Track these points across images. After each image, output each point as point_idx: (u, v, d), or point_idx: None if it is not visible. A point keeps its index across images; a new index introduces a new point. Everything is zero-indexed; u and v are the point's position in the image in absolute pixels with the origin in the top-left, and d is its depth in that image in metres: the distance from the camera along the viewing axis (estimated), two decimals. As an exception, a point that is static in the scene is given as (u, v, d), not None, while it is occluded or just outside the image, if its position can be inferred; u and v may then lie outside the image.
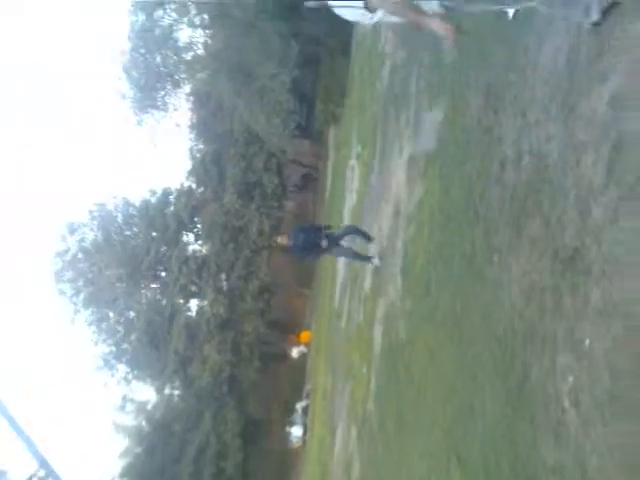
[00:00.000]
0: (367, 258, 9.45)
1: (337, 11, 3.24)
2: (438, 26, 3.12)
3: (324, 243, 9.08)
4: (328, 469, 11.51)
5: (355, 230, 10.26)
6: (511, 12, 4.60)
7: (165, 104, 27.90)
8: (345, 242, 9.90)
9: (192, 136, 28.77)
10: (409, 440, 6.26)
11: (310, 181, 26.96)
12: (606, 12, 3.13)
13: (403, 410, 6.61)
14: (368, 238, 9.50)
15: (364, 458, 8.33)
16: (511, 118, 4.44)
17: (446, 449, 5.06)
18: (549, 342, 3.41)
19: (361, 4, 3.14)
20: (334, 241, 9.32)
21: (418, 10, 3.18)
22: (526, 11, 4.34)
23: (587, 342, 3.07)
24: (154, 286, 27.56)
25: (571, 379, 3.17)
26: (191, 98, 28.08)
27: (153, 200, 27.48)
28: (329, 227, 10.59)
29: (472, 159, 5.22)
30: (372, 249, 9.42)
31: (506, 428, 3.88)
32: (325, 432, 13.13)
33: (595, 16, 3.15)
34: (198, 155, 27.58)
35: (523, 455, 3.61)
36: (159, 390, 28.08)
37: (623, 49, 3.07)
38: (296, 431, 20.40)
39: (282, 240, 9.59)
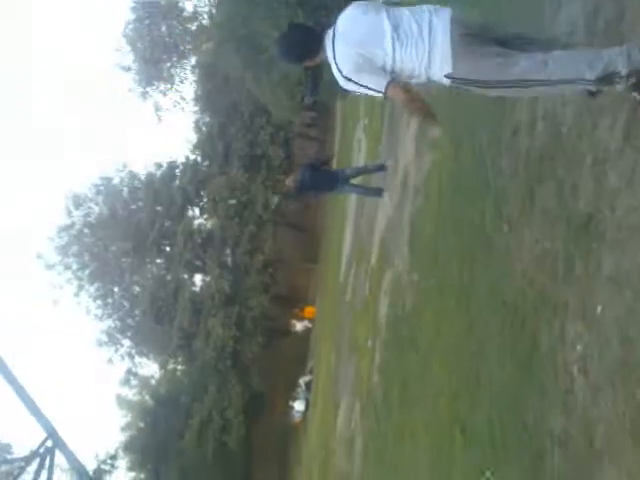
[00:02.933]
0: (379, 191, 9.39)
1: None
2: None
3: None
4: (330, 443, 11.58)
5: (367, 170, 10.28)
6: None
7: (171, 76, 27.74)
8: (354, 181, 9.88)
9: (197, 109, 28.58)
10: (413, 412, 6.27)
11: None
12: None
13: (408, 382, 6.61)
14: (382, 168, 9.45)
15: (367, 432, 8.35)
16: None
17: (450, 420, 5.06)
18: (560, 309, 3.37)
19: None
20: (344, 179, 9.24)
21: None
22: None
23: (599, 309, 3.03)
24: (159, 261, 27.58)
25: (580, 347, 3.14)
26: (197, 70, 27.85)
27: (159, 174, 27.34)
28: (331, 158, 10.46)
29: (483, 127, 5.14)
30: (383, 182, 9.36)
31: (513, 397, 3.86)
32: (328, 406, 13.19)
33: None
34: (204, 128, 27.39)
35: (530, 425, 3.59)
36: (163, 365, 28.23)
37: None
38: (299, 406, 20.51)
39: (290, 182, 9.42)
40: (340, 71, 3.15)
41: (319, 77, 18.67)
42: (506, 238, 4.26)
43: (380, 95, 3.13)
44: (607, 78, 2.79)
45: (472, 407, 4.61)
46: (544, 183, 3.78)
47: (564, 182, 3.52)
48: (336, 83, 3.33)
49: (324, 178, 9.06)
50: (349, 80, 3.13)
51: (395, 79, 3.10)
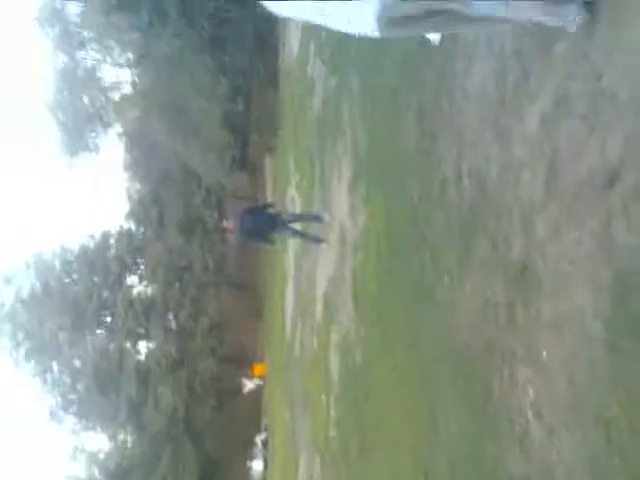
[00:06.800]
0: (317, 240, 9.57)
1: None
2: None
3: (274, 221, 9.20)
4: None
5: (305, 217, 10.53)
6: (436, 39, 4.77)
7: (96, 146, 27.43)
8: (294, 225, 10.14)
9: (127, 176, 28.31)
10: (374, 463, 6.23)
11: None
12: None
13: (366, 434, 6.58)
14: (318, 219, 9.65)
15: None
16: (447, 141, 4.56)
17: (413, 469, 5.06)
18: (508, 357, 3.47)
19: None
20: (283, 222, 9.43)
21: None
22: (450, 37, 4.51)
23: (544, 354, 3.16)
24: (100, 332, 26.80)
25: (532, 391, 3.24)
26: (123, 138, 27.68)
27: (92, 245, 26.86)
28: (273, 205, 10.79)
29: (413, 183, 5.32)
30: (322, 231, 9.56)
31: (472, 444, 3.92)
32: (287, 463, 12.91)
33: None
34: (135, 196, 27.15)
35: (490, 470, 3.65)
36: (112, 438, 27.14)
37: (549, 67, 3.22)
38: (257, 465, 20.00)
39: (228, 224, 9.49)
40: None
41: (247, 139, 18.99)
42: (448, 290, 4.38)
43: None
44: None
45: (433, 455, 4.63)
46: (477, 235, 3.94)
47: (496, 234, 3.69)
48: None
49: (263, 221, 9.14)
50: None
51: None
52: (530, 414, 3.24)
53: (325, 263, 9.31)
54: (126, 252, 25.51)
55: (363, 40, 6.66)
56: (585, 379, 2.80)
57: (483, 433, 3.75)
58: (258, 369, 22.21)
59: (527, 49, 3.41)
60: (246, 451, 21.31)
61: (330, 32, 6.44)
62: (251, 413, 22.50)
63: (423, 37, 4.82)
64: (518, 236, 3.45)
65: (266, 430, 19.94)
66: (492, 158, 3.80)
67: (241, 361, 24.57)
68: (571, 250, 2.95)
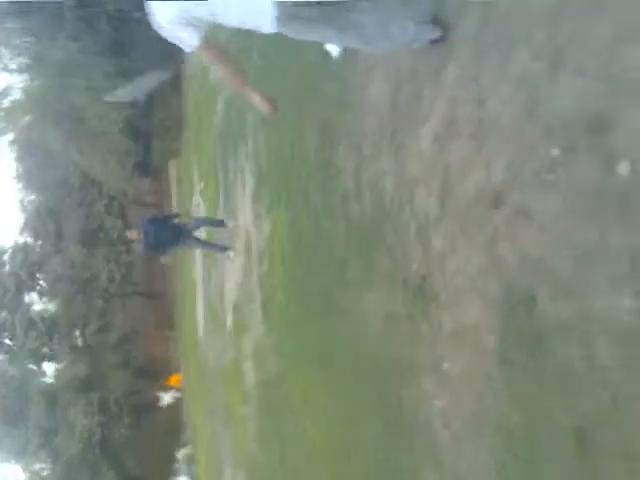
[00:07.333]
0: (224, 248, 9.52)
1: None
2: (257, 100, 3.14)
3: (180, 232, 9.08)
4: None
5: (208, 222, 10.46)
6: (336, 52, 4.75)
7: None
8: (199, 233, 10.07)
9: (20, 187, 26.90)
10: (297, 476, 6.20)
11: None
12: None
13: (286, 445, 6.53)
14: (222, 224, 9.61)
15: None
16: (347, 153, 4.55)
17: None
18: (413, 368, 3.51)
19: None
20: (188, 233, 9.30)
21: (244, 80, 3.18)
22: (351, 51, 4.49)
23: (445, 366, 3.21)
24: (-1, 356, 25.31)
25: (438, 402, 3.29)
26: (15, 147, 26.30)
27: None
28: (178, 215, 10.68)
29: (316, 193, 5.29)
30: (227, 239, 9.52)
31: (386, 454, 3.94)
32: (212, 479, 12.69)
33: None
34: (30, 207, 25.86)
35: None
36: (26, 469, 25.79)
37: (439, 90, 3.26)
38: (181, 482, 19.61)
39: (132, 235, 9.43)
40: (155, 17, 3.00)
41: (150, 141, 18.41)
42: (354, 301, 4.39)
43: (190, 49, 3.02)
44: None
45: (349, 465, 4.64)
46: (378, 248, 3.95)
47: (395, 247, 3.72)
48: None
49: (168, 232, 9.00)
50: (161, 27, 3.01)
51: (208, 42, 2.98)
52: (439, 425, 3.28)
53: (233, 272, 9.17)
54: (22, 268, 24.29)
55: (265, 44, 6.53)
56: (484, 390, 2.86)
57: (397, 445, 3.78)
58: (174, 379, 21.70)
59: (420, 69, 3.44)
60: (168, 467, 20.79)
61: (233, 35, 6.34)
62: (171, 427, 21.94)
63: (324, 48, 4.80)
64: (416, 251, 3.48)
65: (188, 444, 19.53)
66: (388, 173, 3.82)
67: (155, 373, 23.92)
68: (465, 265, 3.00)
